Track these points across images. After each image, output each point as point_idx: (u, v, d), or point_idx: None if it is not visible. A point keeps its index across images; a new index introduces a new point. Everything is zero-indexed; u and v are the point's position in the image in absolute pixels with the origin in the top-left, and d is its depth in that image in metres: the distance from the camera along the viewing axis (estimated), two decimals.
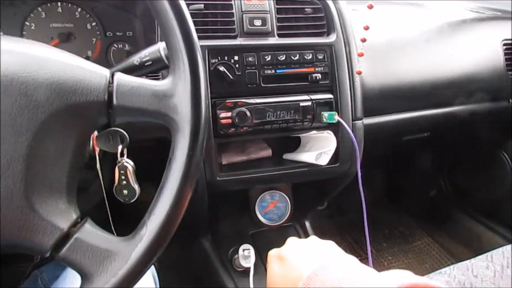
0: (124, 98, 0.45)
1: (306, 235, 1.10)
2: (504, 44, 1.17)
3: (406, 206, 1.89)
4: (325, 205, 1.78)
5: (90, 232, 0.43)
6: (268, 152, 0.96)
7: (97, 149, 0.66)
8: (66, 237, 0.42)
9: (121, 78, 0.46)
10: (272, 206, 1.04)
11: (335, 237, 1.70)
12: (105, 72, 0.46)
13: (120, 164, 0.68)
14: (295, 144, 0.96)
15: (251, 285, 0.85)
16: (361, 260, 1.47)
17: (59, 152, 0.43)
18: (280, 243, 1.06)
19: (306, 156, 0.90)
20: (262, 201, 1.04)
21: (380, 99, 1.01)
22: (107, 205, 0.68)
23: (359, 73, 0.86)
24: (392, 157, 1.80)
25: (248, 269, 0.92)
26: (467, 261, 0.93)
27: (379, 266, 1.60)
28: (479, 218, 1.65)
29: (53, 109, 0.42)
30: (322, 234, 1.78)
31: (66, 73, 0.43)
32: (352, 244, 1.70)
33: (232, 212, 1.10)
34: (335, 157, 0.90)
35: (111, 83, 0.45)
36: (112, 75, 0.46)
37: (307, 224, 1.13)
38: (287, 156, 0.95)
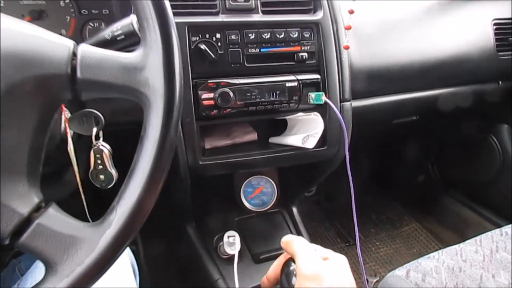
0: (89, 71, 0.41)
1: (294, 222, 1.08)
2: (495, 24, 1.15)
3: (394, 192, 1.88)
4: (313, 192, 1.77)
5: (54, 218, 0.40)
6: (253, 136, 0.93)
7: (69, 132, 0.63)
8: (26, 222, 0.39)
9: (86, 49, 0.42)
10: (258, 192, 1.02)
11: (323, 223, 1.73)
12: (68, 43, 0.42)
13: (95, 147, 0.65)
14: (281, 128, 0.93)
15: (235, 272, 0.83)
16: (349, 246, 1.47)
17: (19, 131, 0.39)
18: (266, 230, 1.05)
19: (293, 139, 0.87)
20: (247, 187, 1.01)
21: (368, 81, 0.99)
22: (81, 190, 0.64)
23: (347, 48, 0.83)
24: (380, 141, 1.78)
25: (233, 256, 0.90)
26: (456, 246, 0.93)
27: (367, 251, 1.60)
28: (467, 203, 1.65)
29: (10, 82, 0.38)
30: (310, 220, 1.77)
31: (25, 44, 0.39)
32: (340, 230, 1.70)
33: (217, 198, 1.07)
34: (322, 140, 0.87)
35: (75, 55, 0.41)
36: (77, 47, 0.42)
37: (295, 210, 1.10)
38: (273, 139, 0.92)
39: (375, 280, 1.42)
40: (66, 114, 0.66)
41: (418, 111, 1.24)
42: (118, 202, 0.41)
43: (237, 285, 0.82)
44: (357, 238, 0.81)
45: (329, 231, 1.71)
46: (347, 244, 1.62)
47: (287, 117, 0.88)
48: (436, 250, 0.92)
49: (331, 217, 1.76)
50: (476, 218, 1.60)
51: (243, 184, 1.00)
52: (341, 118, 0.80)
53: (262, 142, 0.93)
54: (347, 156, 0.80)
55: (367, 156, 1.83)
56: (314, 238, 1.55)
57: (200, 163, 0.81)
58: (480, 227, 1.53)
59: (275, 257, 0.96)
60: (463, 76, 1.14)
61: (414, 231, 1.71)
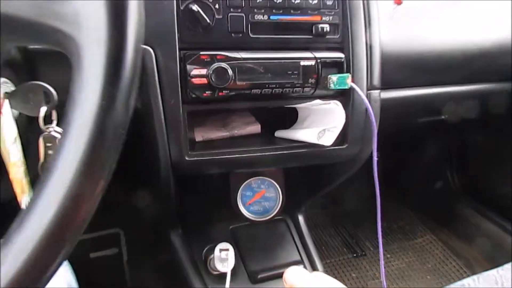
0: None
1: (299, 232, 0.94)
2: None
3: (407, 198, 1.75)
4: None
5: None
6: (256, 128, 0.79)
7: (5, 111, 0.49)
8: None
9: None
10: (258, 197, 0.86)
11: (328, 230, 1.61)
12: None
13: (46, 134, 0.52)
14: (291, 119, 0.78)
15: None
16: (356, 257, 1.33)
17: None
18: (266, 241, 0.89)
19: (305, 133, 0.71)
20: (246, 190, 0.85)
21: (398, 69, 0.83)
22: (16, 190, 0.48)
23: (399, 2, 0.65)
24: (397, 141, 1.63)
25: (225, 274, 0.76)
26: (494, 272, 0.79)
27: (377, 264, 1.46)
28: (489, 215, 1.51)
29: None
30: (314, 226, 1.62)
31: None
32: (347, 239, 1.57)
33: (209, 201, 0.93)
34: (342, 136, 0.72)
35: None
36: None
37: (301, 218, 0.96)
38: (280, 133, 0.78)
39: None
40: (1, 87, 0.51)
41: (450, 109, 1.08)
42: (20, 225, 0.23)
43: None
44: (382, 262, 0.65)
45: (334, 239, 1.58)
46: (354, 255, 1.48)
47: (298, 106, 0.72)
48: (454, 266, 0.78)
49: (337, 223, 1.64)
50: (498, 232, 1.46)
51: (241, 187, 0.85)
52: (370, 109, 0.63)
53: (266, 136, 0.79)
54: (375, 158, 0.64)
55: (380, 155, 1.70)
56: (318, 247, 1.42)
57: (187, 159, 0.66)
58: (503, 242, 1.41)
59: (275, 277, 0.82)
60: (508, 70, 0.97)
61: (428, 243, 1.58)
